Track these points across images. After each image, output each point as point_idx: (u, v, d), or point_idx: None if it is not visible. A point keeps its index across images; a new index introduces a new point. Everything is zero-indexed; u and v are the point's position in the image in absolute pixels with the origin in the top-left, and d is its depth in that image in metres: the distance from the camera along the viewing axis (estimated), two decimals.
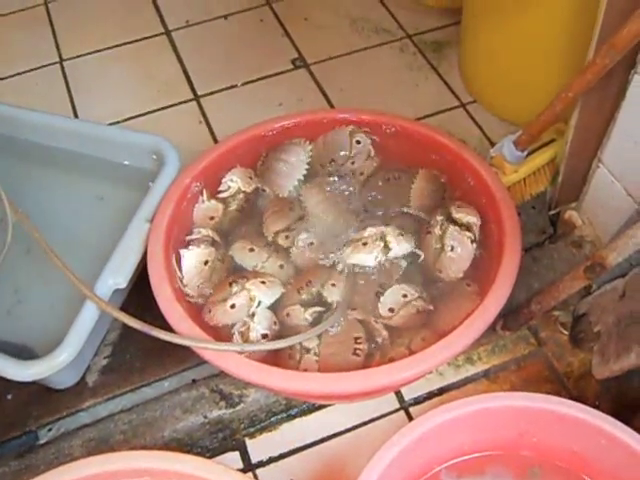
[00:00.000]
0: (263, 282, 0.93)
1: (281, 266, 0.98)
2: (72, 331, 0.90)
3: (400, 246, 0.96)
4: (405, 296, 0.93)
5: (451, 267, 0.95)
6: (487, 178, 0.98)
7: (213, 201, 1.03)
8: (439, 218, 0.98)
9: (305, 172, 1.05)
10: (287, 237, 1.00)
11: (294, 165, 1.05)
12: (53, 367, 0.89)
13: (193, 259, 0.95)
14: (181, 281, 0.94)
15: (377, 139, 1.08)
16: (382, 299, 0.92)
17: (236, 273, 0.97)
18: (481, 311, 0.85)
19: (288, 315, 0.93)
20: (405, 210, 1.02)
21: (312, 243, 0.99)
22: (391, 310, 0.92)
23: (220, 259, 0.97)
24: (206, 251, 0.97)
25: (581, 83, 0.90)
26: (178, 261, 0.95)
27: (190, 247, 0.96)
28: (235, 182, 1.04)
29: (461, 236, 0.95)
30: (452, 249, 0.95)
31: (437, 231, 0.97)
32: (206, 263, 0.96)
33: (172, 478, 0.81)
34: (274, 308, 0.94)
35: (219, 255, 0.98)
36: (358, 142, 1.08)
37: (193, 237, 0.99)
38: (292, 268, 0.99)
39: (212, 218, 1.02)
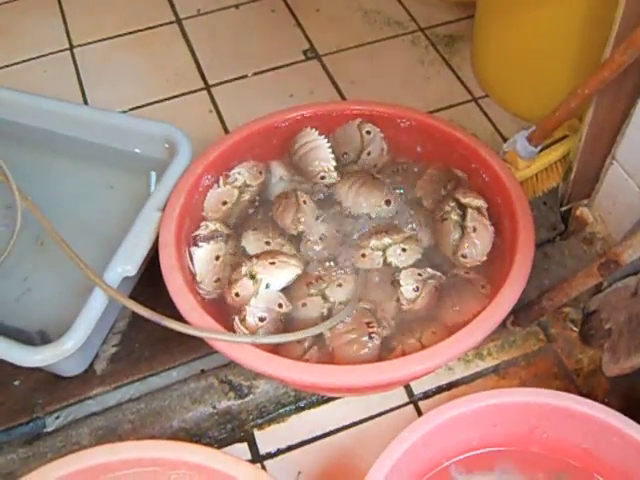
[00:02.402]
0: (272, 263, 0.92)
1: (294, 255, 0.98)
2: (80, 318, 0.90)
3: (400, 261, 0.95)
4: (420, 275, 0.92)
5: (475, 250, 0.94)
6: (502, 174, 0.97)
7: (229, 186, 1.03)
8: (452, 204, 0.97)
9: (328, 142, 1.05)
10: (300, 220, 0.99)
11: (316, 141, 1.05)
12: (60, 354, 0.89)
13: (204, 256, 0.95)
14: (195, 278, 0.94)
15: (391, 132, 1.07)
16: (402, 281, 0.92)
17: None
18: (494, 307, 0.85)
19: (304, 305, 0.92)
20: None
21: (325, 236, 0.99)
22: (416, 289, 0.91)
23: (232, 252, 0.97)
24: (216, 246, 0.96)
25: (597, 80, 0.89)
26: (191, 259, 0.95)
27: (200, 244, 0.96)
28: (242, 175, 1.04)
29: (481, 218, 0.95)
30: (475, 230, 0.94)
31: (454, 217, 0.96)
32: (217, 258, 0.95)
33: (181, 468, 0.81)
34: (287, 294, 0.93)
35: (230, 248, 0.97)
36: (368, 132, 1.07)
37: (201, 232, 0.98)
38: (303, 260, 0.98)
39: (225, 203, 1.02)
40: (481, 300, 0.89)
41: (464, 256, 0.95)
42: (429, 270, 0.94)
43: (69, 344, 0.89)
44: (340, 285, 0.94)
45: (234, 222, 1.02)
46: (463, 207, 0.97)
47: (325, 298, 0.93)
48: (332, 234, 1.00)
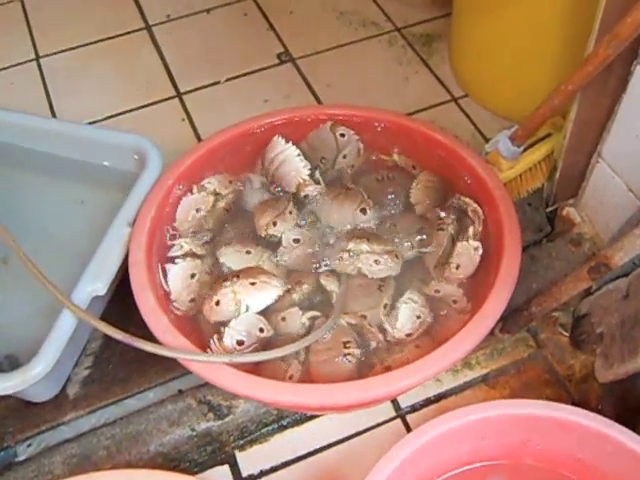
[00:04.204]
0: (253, 283, 0.89)
1: (276, 263, 0.95)
2: (48, 341, 0.86)
3: (371, 272, 0.92)
4: (419, 317, 0.89)
5: (454, 281, 0.92)
6: (485, 177, 0.94)
7: (203, 193, 1.00)
8: (453, 217, 0.95)
9: (296, 149, 1.01)
10: (275, 224, 0.96)
11: (285, 151, 1.00)
12: (28, 380, 0.85)
13: (179, 274, 0.91)
14: (169, 297, 0.90)
15: (368, 136, 1.04)
16: (399, 320, 0.88)
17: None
18: (481, 317, 0.82)
19: (284, 319, 0.88)
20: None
21: (298, 240, 0.95)
22: (409, 335, 0.88)
23: (208, 271, 0.93)
24: (192, 264, 0.93)
25: (581, 75, 0.87)
26: (164, 275, 0.91)
27: (176, 261, 0.92)
28: (212, 184, 1.01)
29: (469, 252, 0.91)
30: (457, 267, 0.91)
31: (451, 230, 0.93)
32: (193, 276, 0.92)
33: None
34: (267, 312, 0.90)
35: (206, 267, 0.94)
36: (342, 135, 1.04)
37: (174, 254, 0.94)
38: (283, 267, 0.95)
39: (198, 210, 0.99)
40: (455, 317, 0.87)
41: (441, 276, 0.93)
42: (424, 309, 0.90)
43: (37, 369, 0.85)
44: (328, 277, 0.92)
45: (209, 231, 0.99)
46: (460, 221, 0.95)
47: (319, 291, 0.91)
48: (307, 239, 0.96)
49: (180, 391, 0.97)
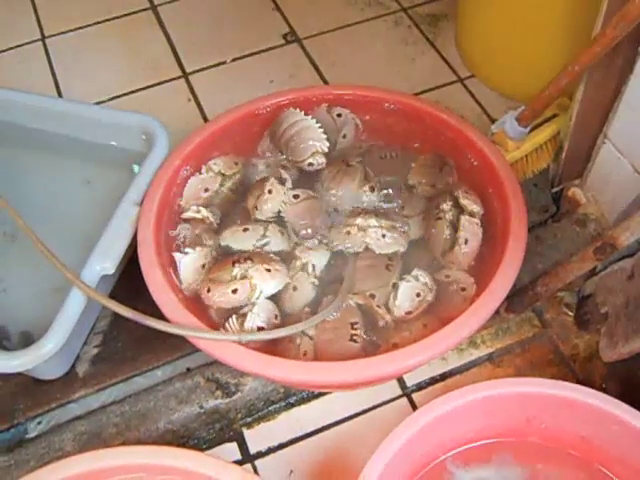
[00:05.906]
0: (268, 270, 0.88)
1: (282, 232, 0.95)
2: (58, 320, 0.87)
3: (378, 247, 0.92)
4: (419, 295, 0.88)
5: (464, 260, 0.91)
6: (491, 157, 0.94)
7: (211, 173, 1.00)
8: (449, 203, 0.94)
9: (318, 124, 1.00)
10: (257, 208, 0.96)
11: (305, 120, 1.00)
12: (38, 358, 0.86)
13: (190, 264, 0.91)
14: (179, 286, 0.90)
15: (375, 116, 1.04)
16: (399, 297, 0.88)
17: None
18: (487, 295, 0.82)
19: (295, 289, 0.89)
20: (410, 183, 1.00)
21: (297, 195, 0.96)
22: (408, 313, 0.88)
23: (214, 255, 0.93)
24: (202, 253, 0.92)
25: (588, 56, 0.87)
26: (173, 264, 0.91)
27: (186, 250, 0.92)
28: (217, 165, 1.01)
29: (473, 226, 0.91)
30: (466, 242, 0.91)
31: (449, 217, 0.93)
32: (204, 266, 0.92)
33: (167, 474, 0.79)
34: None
35: (213, 251, 0.94)
36: (339, 115, 1.05)
37: (188, 216, 0.95)
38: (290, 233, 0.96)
39: (206, 190, 0.99)
40: (460, 304, 0.87)
41: (452, 262, 0.92)
42: (424, 287, 0.90)
43: (47, 347, 0.85)
44: (349, 233, 0.92)
45: (217, 207, 0.99)
46: (459, 207, 0.94)
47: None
48: (307, 194, 0.97)
49: (188, 369, 0.97)
